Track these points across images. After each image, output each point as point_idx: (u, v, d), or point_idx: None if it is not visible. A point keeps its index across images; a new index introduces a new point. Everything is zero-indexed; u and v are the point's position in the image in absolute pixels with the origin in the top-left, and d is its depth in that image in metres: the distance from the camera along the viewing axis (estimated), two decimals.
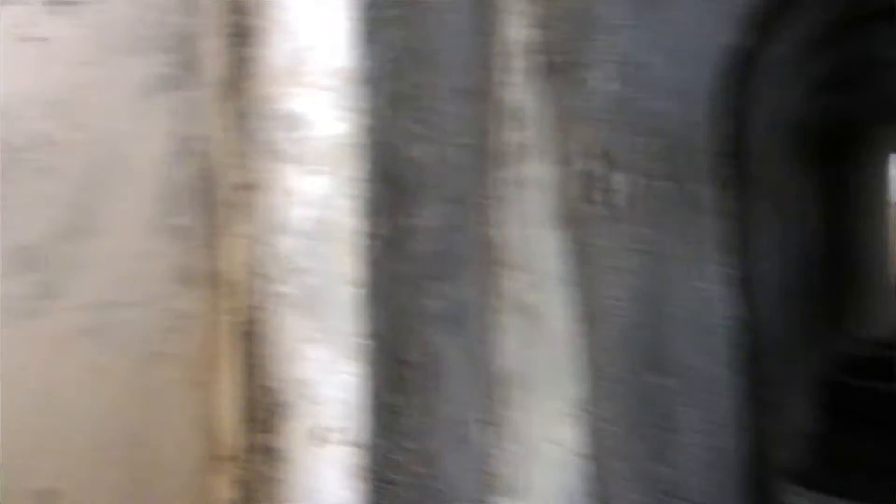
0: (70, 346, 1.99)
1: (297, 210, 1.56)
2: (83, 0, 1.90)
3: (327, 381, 1.58)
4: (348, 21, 1.53)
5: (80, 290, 1.98)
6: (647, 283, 2.19)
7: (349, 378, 1.57)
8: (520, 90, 1.97)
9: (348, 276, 1.59)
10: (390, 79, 1.63)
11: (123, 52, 1.86)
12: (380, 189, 1.62)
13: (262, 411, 1.66)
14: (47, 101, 1.99)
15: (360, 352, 1.58)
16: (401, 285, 1.70)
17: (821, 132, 4.75)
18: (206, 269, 1.77)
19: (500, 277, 2.02)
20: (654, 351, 2.23)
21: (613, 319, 2.17)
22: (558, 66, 2.00)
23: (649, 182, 2.19)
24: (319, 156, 1.55)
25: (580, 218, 2.08)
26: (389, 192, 1.65)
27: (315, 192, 1.55)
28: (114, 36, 1.87)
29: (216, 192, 1.71)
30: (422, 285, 1.78)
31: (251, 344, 1.68)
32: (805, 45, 2.90)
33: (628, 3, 2.07)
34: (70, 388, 1.94)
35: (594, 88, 2.06)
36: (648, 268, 2.17)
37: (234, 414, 1.76)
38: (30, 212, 2.04)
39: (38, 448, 1.90)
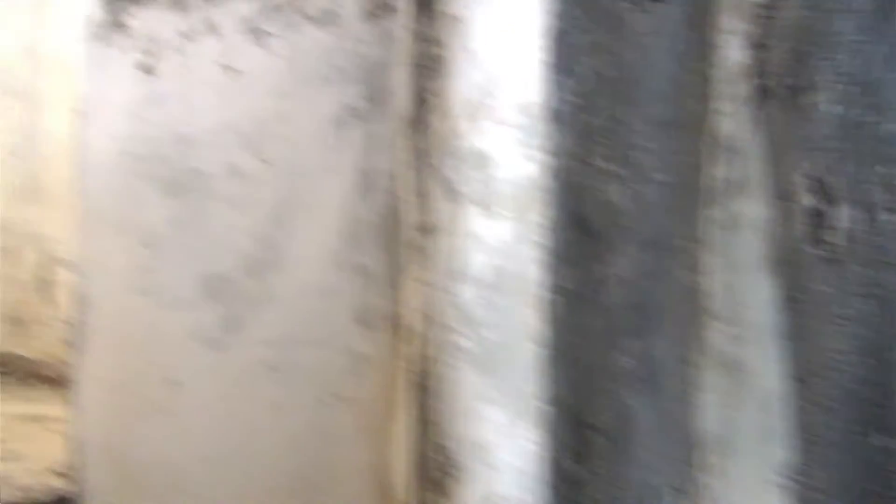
0: (251, 381, 1.98)
1: (478, 256, 1.43)
2: (277, 31, 1.89)
3: (504, 445, 1.44)
4: (538, 50, 1.39)
5: (264, 324, 1.97)
6: (873, 333, 1.88)
7: (527, 444, 1.43)
8: (731, 119, 1.74)
9: (530, 332, 1.44)
10: (583, 113, 1.46)
11: (314, 83, 1.82)
12: (569, 236, 1.46)
13: (435, 471, 1.55)
14: (239, 132, 2.00)
15: (540, 416, 1.42)
16: (588, 342, 1.53)
17: None
18: (386, 311, 1.69)
19: (702, 330, 1.79)
20: (880, 409, 1.91)
21: (832, 375, 1.87)
22: (777, 90, 1.75)
23: (873, 217, 1.88)
24: (504, 198, 1.41)
25: (797, 260, 1.81)
26: (579, 239, 1.48)
27: (497, 237, 1.42)
28: (305, 67, 1.84)
29: (399, 232, 1.62)
30: (613, 341, 1.60)
31: (426, 396, 1.57)
32: None
33: (860, 18, 1.79)
34: (248, 423, 1.92)
35: (817, 113, 1.79)
36: (874, 315, 1.85)
37: (406, 468, 1.66)
38: (218, 242, 2.06)
39: (211, 480, 1.89)
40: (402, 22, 1.60)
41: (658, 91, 1.67)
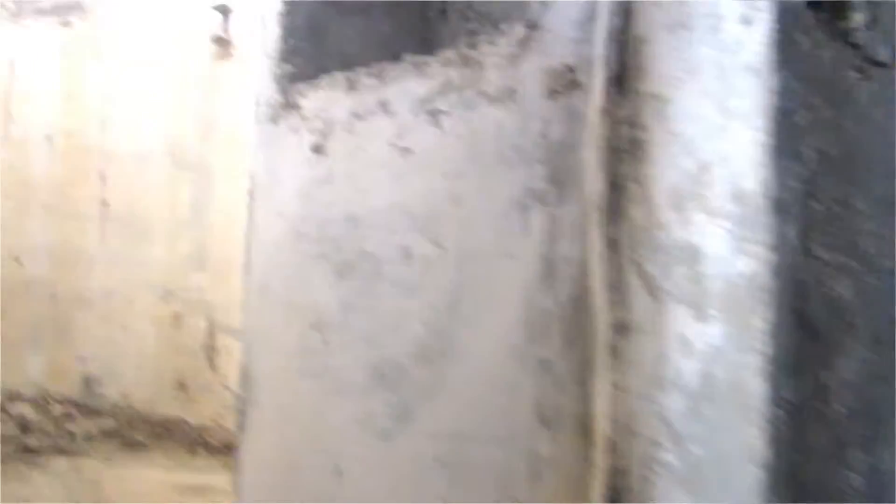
0: (419, 475, 1.87)
1: (685, 362, 1.27)
2: (453, 111, 1.81)
3: None
4: (756, 132, 1.23)
5: (435, 416, 1.86)
6: None
7: None
8: None
9: (745, 449, 1.26)
10: (807, 199, 1.29)
11: (491, 164, 1.72)
12: (792, 339, 1.28)
13: None
14: (411, 213, 1.93)
15: None
16: (812, 460, 1.33)
17: None
18: (573, 412, 1.54)
19: None
20: None
21: None
22: None
23: None
24: (716, 297, 1.25)
25: None
26: (803, 342, 1.30)
27: (708, 341, 1.26)
28: (483, 147, 1.74)
29: (588, 327, 1.48)
30: (838, 456, 1.39)
31: None
32: None
33: None
34: None
35: None
36: None
37: None
38: (389, 328, 1.98)
39: None
40: (591, 100, 1.48)
41: (883, 167, 1.47)
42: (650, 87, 1.31)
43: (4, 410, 4.51)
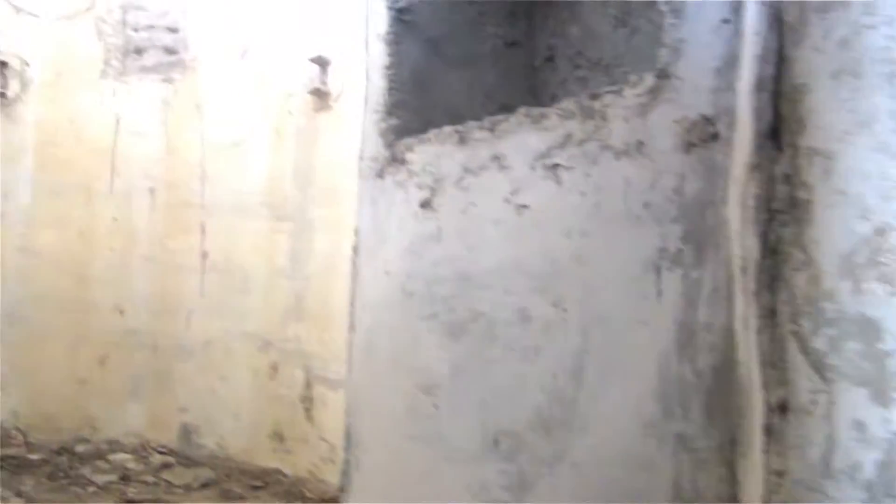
0: None
1: (859, 450, 1.12)
2: (574, 165, 1.71)
3: None
4: None
5: (556, 491, 1.73)
6: None
7: None
8: None
9: None
10: None
11: (619, 222, 1.61)
12: None
13: None
14: (528, 273, 1.82)
15: None
16: None
17: None
18: (717, 495, 1.39)
19: None
20: None
21: None
22: None
23: None
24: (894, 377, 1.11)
25: None
26: None
27: (889, 428, 1.10)
28: (608, 204, 1.63)
29: (735, 403, 1.34)
30: None
31: None
32: None
33: None
34: None
35: None
36: None
37: None
38: (505, 394, 1.87)
39: None
40: (735, 154, 1.36)
41: None
42: (812, 142, 1.18)
43: (106, 460, 4.56)
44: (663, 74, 1.54)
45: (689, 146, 1.49)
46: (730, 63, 1.43)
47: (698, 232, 1.46)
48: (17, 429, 4.61)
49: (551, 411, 1.75)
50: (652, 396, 1.52)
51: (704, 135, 1.46)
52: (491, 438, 1.89)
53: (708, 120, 1.46)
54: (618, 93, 1.64)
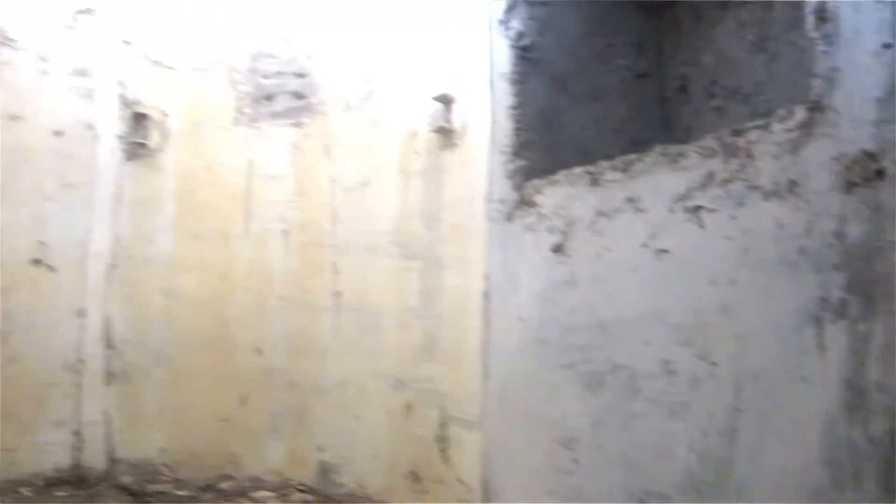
0: None
1: None
2: (718, 207, 1.59)
3: None
4: None
5: None
6: None
7: None
8: None
9: None
10: None
11: (771, 269, 1.48)
12: None
13: None
14: (671, 323, 1.71)
15: None
16: None
17: None
18: None
19: None
20: None
21: None
22: None
23: None
24: None
25: None
26: None
27: None
28: (758, 250, 1.51)
29: None
30: None
31: None
32: None
33: None
34: None
35: None
36: None
37: None
38: (649, 452, 1.75)
39: None
40: None
41: None
42: None
43: (249, 498, 4.65)
44: (817, 107, 1.41)
45: (849, 185, 1.35)
46: (894, 92, 1.29)
47: (865, 280, 1.32)
48: (166, 465, 4.78)
49: (702, 472, 1.62)
50: (818, 462, 1.38)
51: (867, 172, 1.32)
52: (636, 498, 1.78)
53: (871, 156, 1.32)
54: (765, 128, 1.51)
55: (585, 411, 1.91)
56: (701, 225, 1.63)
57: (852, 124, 1.36)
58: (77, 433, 4.58)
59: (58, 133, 4.49)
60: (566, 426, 1.97)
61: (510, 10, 2.39)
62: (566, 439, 1.97)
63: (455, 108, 3.81)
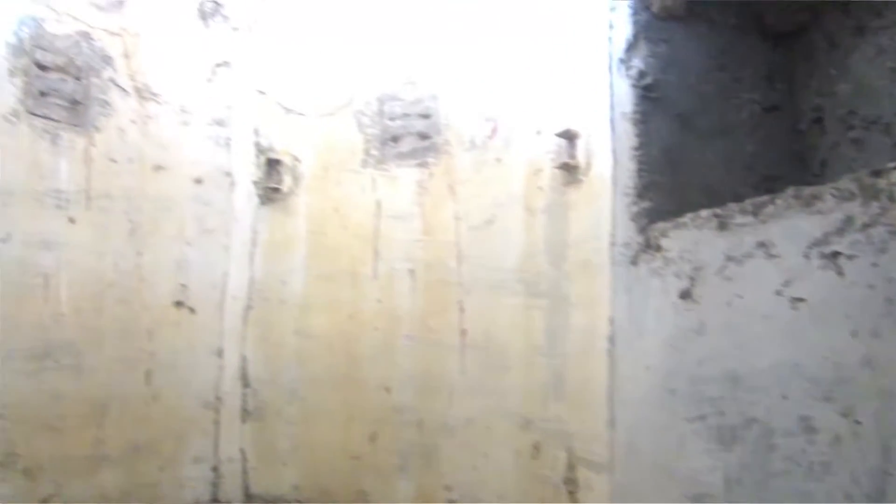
0: None
1: None
2: (857, 253, 1.48)
3: None
4: None
5: None
6: None
7: None
8: None
9: None
10: None
11: None
12: None
13: None
14: (809, 377, 1.59)
15: None
16: None
17: None
18: None
19: None
20: None
21: None
22: None
23: None
24: None
25: None
26: None
27: None
28: None
29: None
30: None
31: None
32: None
33: None
34: None
35: None
36: None
37: None
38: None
39: None
40: None
41: None
42: None
43: None
44: None
45: None
46: None
47: None
48: (298, 501, 4.88)
49: None
50: None
51: None
52: None
53: None
54: None
55: (717, 467, 1.82)
56: (840, 272, 1.53)
57: None
58: (215, 469, 4.75)
59: (198, 181, 4.72)
60: (697, 481, 1.88)
61: (630, 48, 2.34)
62: (698, 495, 1.88)
63: (579, 143, 3.76)
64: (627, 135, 2.31)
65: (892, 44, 2.02)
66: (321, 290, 4.93)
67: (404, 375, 4.85)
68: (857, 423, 1.48)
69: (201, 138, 4.74)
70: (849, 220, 1.52)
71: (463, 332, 4.66)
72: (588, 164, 3.81)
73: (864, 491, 1.47)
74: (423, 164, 4.90)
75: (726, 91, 2.31)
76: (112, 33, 4.42)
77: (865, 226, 1.48)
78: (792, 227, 1.65)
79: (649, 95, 2.28)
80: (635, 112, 2.30)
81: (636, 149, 2.25)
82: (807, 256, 1.60)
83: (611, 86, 2.47)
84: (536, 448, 4.35)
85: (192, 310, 4.64)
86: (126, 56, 4.49)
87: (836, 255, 1.54)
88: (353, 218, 4.97)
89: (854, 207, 1.51)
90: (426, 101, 4.96)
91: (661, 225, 2.09)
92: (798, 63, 2.32)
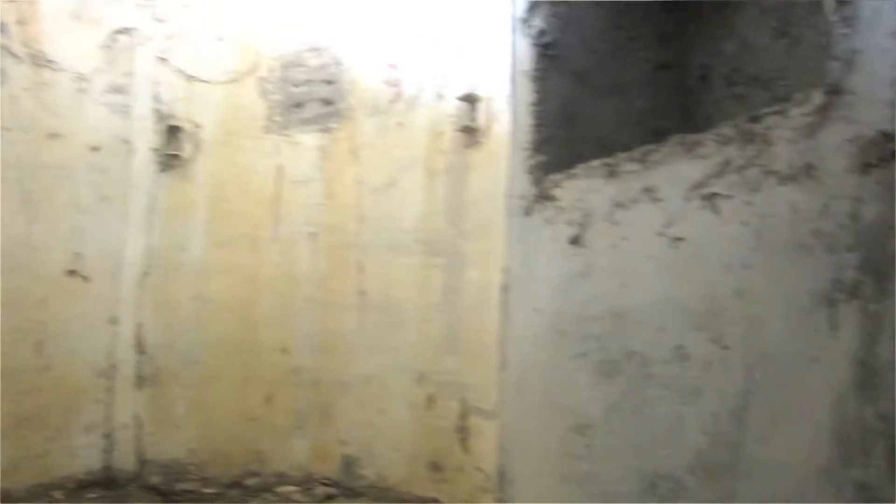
0: None
1: None
2: (734, 194, 1.60)
3: None
4: None
5: None
6: None
7: None
8: None
9: None
10: None
11: (785, 253, 1.49)
12: None
13: None
14: (686, 309, 1.72)
15: None
16: None
17: None
18: None
19: None
20: None
21: None
22: None
23: None
24: None
25: None
26: None
27: None
28: (773, 234, 1.51)
29: None
30: None
31: None
32: None
33: None
34: None
35: None
36: None
37: None
38: (662, 436, 1.76)
39: None
40: None
41: None
42: None
43: (274, 492, 4.70)
44: (834, 90, 1.42)
45: (865, 167, 1.36)
46: None
47: (878, 260, 1.33)
48: (193, 464, 4.83)
49: (713, 454, 1.63)
50: (828, 440, 1.39)
51: (884, 153, 1.33)
52: (647, 481, 1.79)
53: (887, 136, 1.33)
54: (782, 113, 1.52)
55: (599, 398, 1.93)
56: (716, 211, 1.65)
57: (869, 106, 1.36)
58: (108, 436, 4.67)
59: (94, 148, 4.60)
60: (580, 413, 1.99)
61: (532, 8, 2.42)
62: (580, 426, 1.98)
63: (480, 107, 3.85)
64: (526, 92, 2.39)
65: (774, 4, 2.16)
66: (220, 256, 4.89)
67: (302, 337, 4.88)
68: (726, 348, 1.60)
69: (99, 105, 4.61)
70: (726, 163, 1.63)
71: (362, 293, 4.72)
72: (489, 127, 3.91)
73: (732, 411, 1.59)
74: (326, 130, 4.92)
75: (621, 50, 2.42)
76: (6, 0, 4.25)
77: (741, 167, 1.60)
78: (675, 172, 1.76)
79: (548, 53, 2.37)
80: (535, 70, 2.38)
81: (534, 104, 2.33)
82: (687, 199, 1.71)
83: (513, 45, 2.54)
84: (431, 400, 4.46)
85: (86, 278, 4.53)
86: (20, 23, 4.32)
87: (713, 195, 1.65)
88: (254, 183, 4.94)
89: (732, 151, 1.62)
90: (330, 68, 4.97)
91: (554, 176, 2.18)
92: (689, 23, 2.45)
